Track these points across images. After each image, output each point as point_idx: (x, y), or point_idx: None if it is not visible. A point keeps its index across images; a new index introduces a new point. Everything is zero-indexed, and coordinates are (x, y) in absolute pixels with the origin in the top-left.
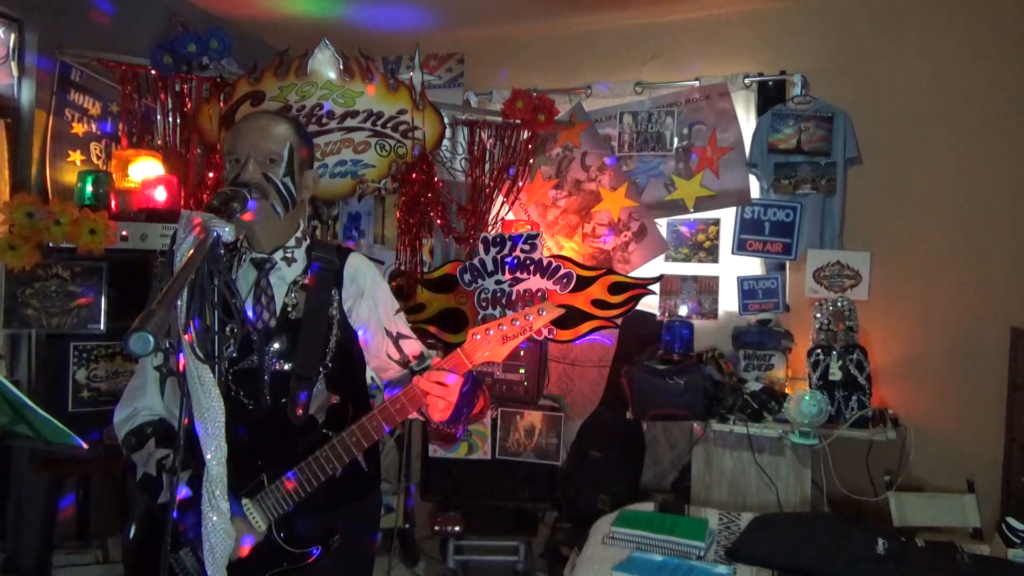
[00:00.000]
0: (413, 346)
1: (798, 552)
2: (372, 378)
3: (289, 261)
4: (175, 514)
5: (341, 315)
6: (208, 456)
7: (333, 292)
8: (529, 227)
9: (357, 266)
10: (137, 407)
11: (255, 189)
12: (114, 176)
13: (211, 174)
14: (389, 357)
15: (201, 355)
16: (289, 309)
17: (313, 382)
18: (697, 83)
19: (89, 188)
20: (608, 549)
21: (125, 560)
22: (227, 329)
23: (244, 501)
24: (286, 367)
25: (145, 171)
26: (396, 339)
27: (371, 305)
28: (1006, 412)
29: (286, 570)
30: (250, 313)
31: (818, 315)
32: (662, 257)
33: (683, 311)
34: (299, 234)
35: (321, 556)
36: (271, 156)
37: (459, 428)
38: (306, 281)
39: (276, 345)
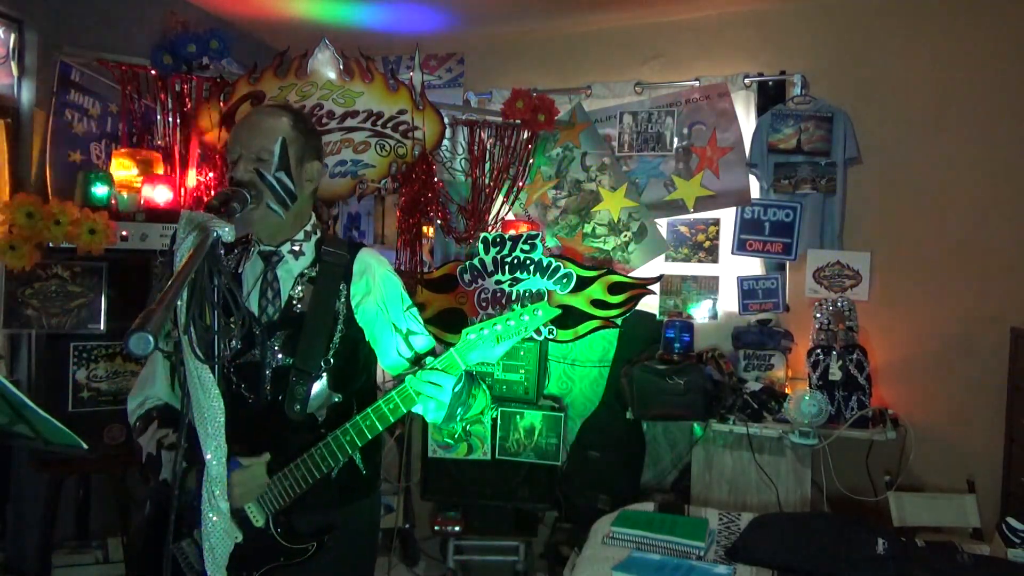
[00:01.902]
0: (424, 343)
1: (798, 552)
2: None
3: (297, 255)
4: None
5: (348, 310)
6: (208, 456)
7: (341, 286)
8: (528, 227)
9: (368, 261)
10: (147, 395)
11: (249, 188)
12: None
13: (211, 174)
14: (399, 354)
15: (201, 355)
16: (295, 302)
17: (313, 378)
18: (697, 83)
19: (97, 190)
20: (608, 549)
21: (133, 544)
22: (231, 321)
23: None
24: (288, 361)
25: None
26: (406, 336)
27: (380, 301)
28: (1006, 412)
29: (282, 565)
30: (255, 306)
31: (818, 315)
32: (662, 257)
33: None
34: (309, 227)
35: (315, 553)
36: (261, 153)
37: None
38: (313, 274)
39: (279, 339)
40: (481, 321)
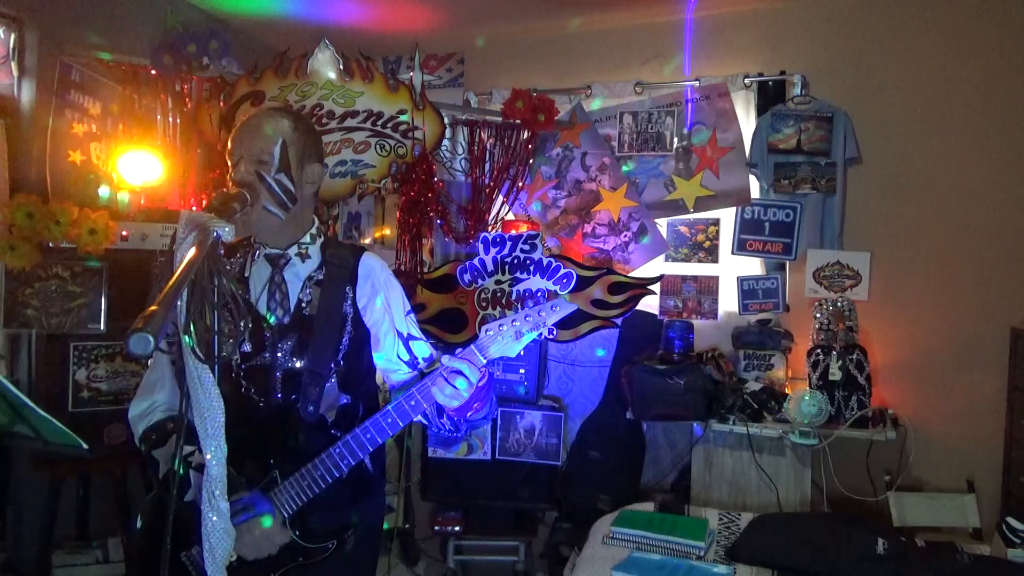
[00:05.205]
0: (423, 348)
1: (798, 552)
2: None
3: (304, 257)
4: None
5: (355, 312)
6: (207, 456)
7: (347, 289)
8: (529, 227)
9: (372, 265)
10: (155, 401)
11: (249, 189)
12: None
13: (211, 174)
14: (399, 358)
15: (201, 355)
16: (303, 305)
17: (325, 379)
18: (697, 83)
19: (101, 190)
20: (608, 549)
21: (131, 553)
22: (240, 324)
23: None
24: (298, 364)
25: (138, 161)
26: (406, 340)
27: (384, 305)
28: (1006, 412)
29: (301, 565)
30: (264, 309)
31: (818, 315)
32: (662, 257)
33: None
34: (314, 231)
35: (336, 550)
36: (261, 155)
37: (461, 432)
38: (320, 277)
39: (289, 342)
40: (483, 321)
